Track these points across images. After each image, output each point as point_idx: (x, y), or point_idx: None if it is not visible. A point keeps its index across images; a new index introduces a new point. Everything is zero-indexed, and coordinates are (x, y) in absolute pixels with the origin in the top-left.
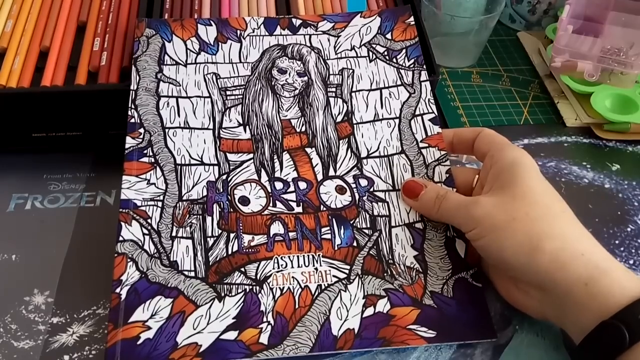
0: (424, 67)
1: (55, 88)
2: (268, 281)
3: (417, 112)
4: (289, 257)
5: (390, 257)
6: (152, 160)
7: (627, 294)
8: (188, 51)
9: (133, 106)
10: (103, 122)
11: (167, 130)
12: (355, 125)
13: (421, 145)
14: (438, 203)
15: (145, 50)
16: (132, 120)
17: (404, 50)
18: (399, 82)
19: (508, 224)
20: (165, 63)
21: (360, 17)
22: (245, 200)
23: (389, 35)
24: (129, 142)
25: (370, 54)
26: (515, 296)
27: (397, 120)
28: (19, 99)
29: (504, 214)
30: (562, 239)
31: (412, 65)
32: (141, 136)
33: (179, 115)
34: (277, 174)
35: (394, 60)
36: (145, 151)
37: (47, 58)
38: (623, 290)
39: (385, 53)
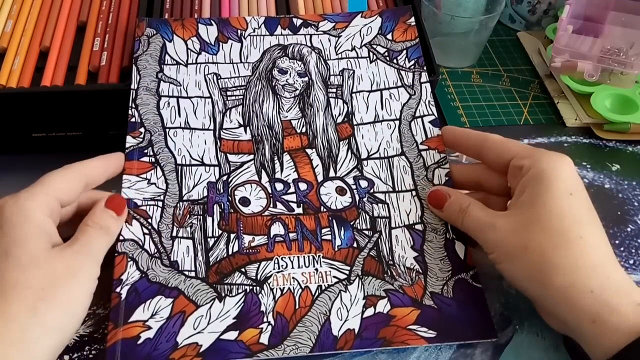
0: (425, 68)
1: (55, 88)
2: (268, 281)
3: (417, 114)
4: (289, 257)
5: (390, 258)
6: (153, 160)
7: (635, 332)
8: (189, 51)
9: (133, 105)
10: (103, 122)
11: (167, 130)
12: (355, 127)
13: (421, 147)
14: (461, 217)
15: (146, 49)
16: (133, 120)
17: (404, 51)
18: (399, 84)
19: (521, 253)
20: (165, 63)
21: (361, 17)
22: (245, 201)
23: (389, 36)
24: (130, 141)
25: (371, 54)
26: (541, 312)
27: (397, 122)
28: (19, 99)
29: (517, 242)
30: (573, 274)
31: (412, 67)
32: (141, 135)
33: (179, 115)
34: (277, 175)
35: (395, 61)
36: (145, 151)
37: (47, 58)
38: (632, 328)
39: (386, 54)
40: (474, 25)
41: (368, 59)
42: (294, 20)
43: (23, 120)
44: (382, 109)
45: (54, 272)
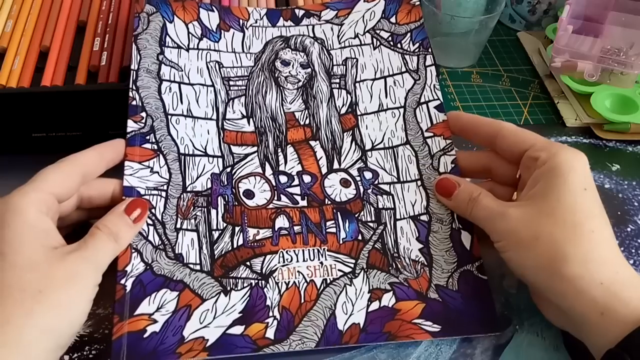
0: (430, 50)
1: (55, 88)
2: (274, 275)
3: (422, 100)
4: (294, 251)
5: (395, 250)
6: (155, 147)
7: None
8: (190, 35)
9: (134, 87)
10: (103, 122)
11: (169, 117)
12: (359, 117)
13: (426, 135)
14: (471, 206)
15: (146, 28)
16: (134, 103)
17: (408, 34)
18: (403, 69)
19: (531, 243)
20: (166, 45)
21: (364, 1)
22: (249, 194)
23: (393, 19)
24: (131, 125)
25: (374, 40)
26: (541, 305)
27: (402, 110)
28: (19, 99)
29: (528, 232)
30: (583, 265)
31: (417, 50)
32: (143, 120)
33: (181, 102)
34: (281, 168)
35: (399, 45)
36: (148, 137)
37: (47, 58)
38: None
39: (390, 38)
40: (474, 25)
41: (371, 45)
42: (296, 11)
43: (23, 120)
44: (386, 97)
45: (52, 275)
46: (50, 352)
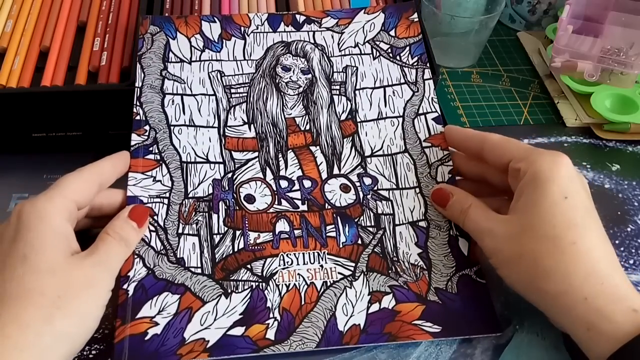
0: (427, 65)
1: (55, 88)
2: (274, 278)
3: (421, 111)
4: (294, 254)
5: (394, 254)
6: (158, 157)
7: (628, 338)
8: (192, 48)
9: (138, 103)
10: (103, 122)
11: (172, 127)
12: (359, 124)
13: (424, 144)
14: (462, 217)
15: (150, 47)
16: (138, 118)
17: (407, 48)
18: (402, 80)
19: (515, 261)
20: (169, 60)
21: (364, 13)
22: (250, 198)
23: (392, 32)
24: (135, 139)
25: (374, 51)
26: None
27: (400, 119)
28: (19, 99)
29: (513, 249)
30: (566, 281)
31: (415, 63)
32: (146, 133)
33: (184, 113)
34: (282, 173)
35: (398, 57)
36: (150, 148)
37: (47, 58)
38: (625, 336)
39: (389, 50)
40: (474, 25)
41: (371, 55)
42: (297, 16)
43: (23, 120)
44: (385, 106)
45: (71, 281)
46: (63, 357)
